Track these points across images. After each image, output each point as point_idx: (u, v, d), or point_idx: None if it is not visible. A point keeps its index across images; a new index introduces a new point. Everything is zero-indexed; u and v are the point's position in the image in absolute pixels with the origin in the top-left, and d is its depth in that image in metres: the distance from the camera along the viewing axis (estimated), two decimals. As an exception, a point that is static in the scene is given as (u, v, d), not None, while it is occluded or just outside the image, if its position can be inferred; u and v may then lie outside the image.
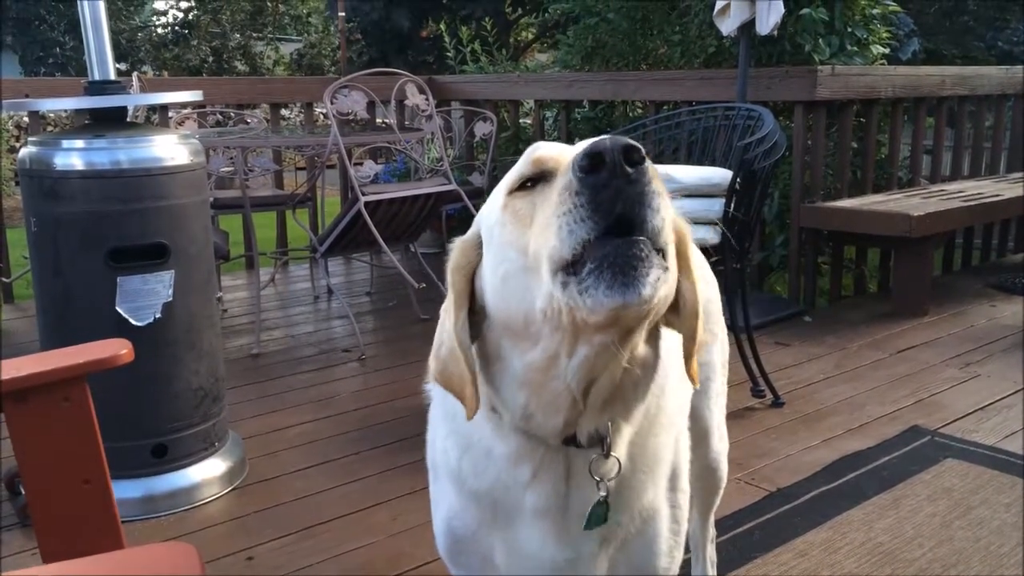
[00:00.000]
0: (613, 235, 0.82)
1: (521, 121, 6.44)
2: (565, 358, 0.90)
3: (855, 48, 4.73)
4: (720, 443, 1.76)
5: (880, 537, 2.26)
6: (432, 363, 1.03)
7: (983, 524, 2.31)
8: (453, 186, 4.13)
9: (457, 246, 1.03)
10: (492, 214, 0.98)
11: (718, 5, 4.23)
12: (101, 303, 2.33)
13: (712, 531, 2.01)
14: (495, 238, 0.95)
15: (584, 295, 0.82)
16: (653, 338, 0.98)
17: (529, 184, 0.94)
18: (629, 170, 0.81)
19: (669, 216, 0.85)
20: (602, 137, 0.82)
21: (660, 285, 0.84)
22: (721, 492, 1.88)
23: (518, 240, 0.91)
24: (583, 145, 0.85)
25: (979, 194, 4.81)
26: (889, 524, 2.32)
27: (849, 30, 4.71)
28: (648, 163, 0.83)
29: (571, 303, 0.83)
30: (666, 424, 1.10)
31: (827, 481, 2.59)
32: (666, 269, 0.85)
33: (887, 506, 2.42)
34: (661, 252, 0.84)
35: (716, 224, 3.00)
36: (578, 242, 0.82)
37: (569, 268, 0.83)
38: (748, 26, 4.17)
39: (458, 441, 1.10)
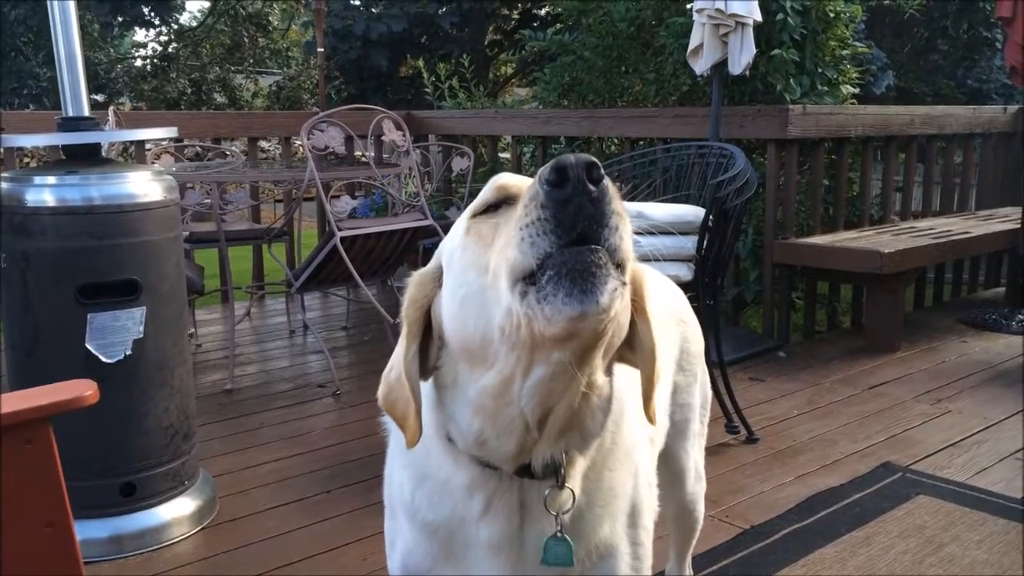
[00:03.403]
0: (573, 244, 0.84)
1: (499, 156, 6.48)
2: (520, 380, 0.91)
3: (825, 88, 4.81)
4: (697, 484, 1.76)
5: (853, 575, 2.26)
6: (381, 386, 1.04)
7: (954, 561, 2.32)
8: (430, 221, 4.14)
9: (415, 279, 1.04)
10: (455, 239, 1.00)
11: (691, 45, 4.30)
12: (71, 340, 2.31)
13: (689, 571, 2.00)
14: (456, 262, 0.97)
15: (543, 303, 0.83)
16: (608, 372, 0.99)
17: (492, 209, 0.96)
18: (592, 188, 0.83)
19: (628, 236, 0.87)
20: (568, 154, 0.85)
21: (616, 297, 0.85)
22: (698, 532, 1.88)
23: (479, 260, 0.92)
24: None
25: (949, 231, 4.88)
26: (861, 562, 2.33)
27: (820, 70, 4.80)
28: (607, 182, 0.85)
29: (530, 313, 0.84)
30: (622, 459, 1.10)
31: (800, 518, 2.59)
32: (624, 283, 0.86)
33: (859, 543, 2.43)
34: (619, 267, 0.86)
35: (689, 261, 3.03)
36: (540, 254, 0.83)
37: (528, 278, 0.84)
38: (721, 66, 4.24)
39: (413, 473, 1.10)
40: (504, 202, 0.96)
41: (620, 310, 0.88)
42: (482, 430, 0.97)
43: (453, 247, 0.99)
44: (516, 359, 0.90)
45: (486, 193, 0.98)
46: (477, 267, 0.92)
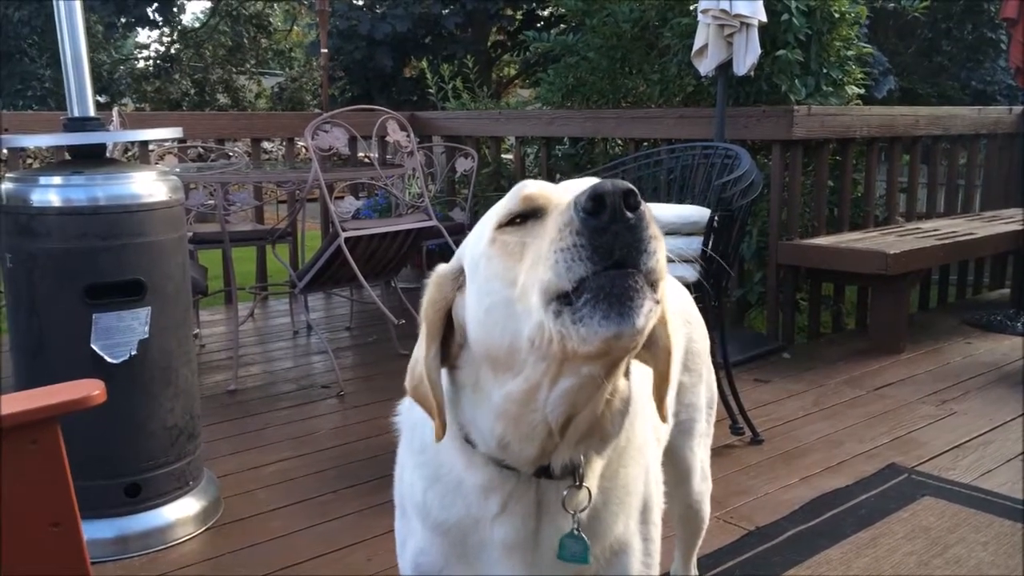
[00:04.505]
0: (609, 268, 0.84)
1: (502, 157, 6.47)
2: (546, 390, 0.91)
3: (830, 88, 4.81)
4: (703, 484, 1.76)
5: (858, 576, 2.26)
6: (408, 378, 1.04)
7: (960, 563, 2.31)
8: (434, 222, 4.15)
9: (433, 280, 1.04)
10: (478, 247, 0.98)
11: (696, 45, 4.29)
12: (76, 340, 2.31)
13: (694, 572, 2.00)
14: (481, 271, 0.96)
15: (578, 324, 0.83)
16: (626, 374, 1.00)
17: (518, 220, 0.95)
18: (629, 215, 0.83)
19: (663, 256, 0.87)
20: (603, 180, 0.84)
21: (651, 317, 0.85)
22: (703, 532, 1.88)
23: (506, 273, 0.92)
24: (581, 185, 0.87)
25: (954, 232, 4.87)
26: (867, 563, 2.32)
27: (824, 71, 4.79)
28: (644, 207, 0.85)
29: (563, 332, 0.84)
30: (635, 455, 1.11)
31: (805, 519, 2.59)
32: (657, 302, 0.86)
33: (865, 545, 2.42)
34: (653, 286, 0.86)
35: (694, 262, 3.02)
36: (576, 278, 0.83)
37: (563, 298, 0.84)
38: (725, 66, 4.23)
39: (426, 473, 1.09)
40: (531, 214, 0.94)
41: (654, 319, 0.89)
42: (504, 434, 0.97)
43: (477, 255, 0.98)
44: (544, 369, 0.90)
45: (511, 203, 0.96)
46: (504, 279, 0.92)
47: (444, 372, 1.03)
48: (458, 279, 1.02)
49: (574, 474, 1.01)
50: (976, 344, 4.58)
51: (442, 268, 1.05)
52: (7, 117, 4.81)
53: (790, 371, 4.12)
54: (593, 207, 0.83)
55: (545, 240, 0.87)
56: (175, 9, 16.54)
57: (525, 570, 1.05)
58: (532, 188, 0.97)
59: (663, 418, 1.06)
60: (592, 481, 1.04)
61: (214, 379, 4.03)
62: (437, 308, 1.02)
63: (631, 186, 0.83)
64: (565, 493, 1.02)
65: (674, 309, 1.59)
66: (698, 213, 3.08)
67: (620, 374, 0.95)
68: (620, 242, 0.83)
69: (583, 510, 1.03)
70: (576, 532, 1.03)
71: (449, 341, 1.02)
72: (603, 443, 1.00)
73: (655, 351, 1.01)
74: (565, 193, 0.92)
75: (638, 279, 0.84)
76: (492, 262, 0.94)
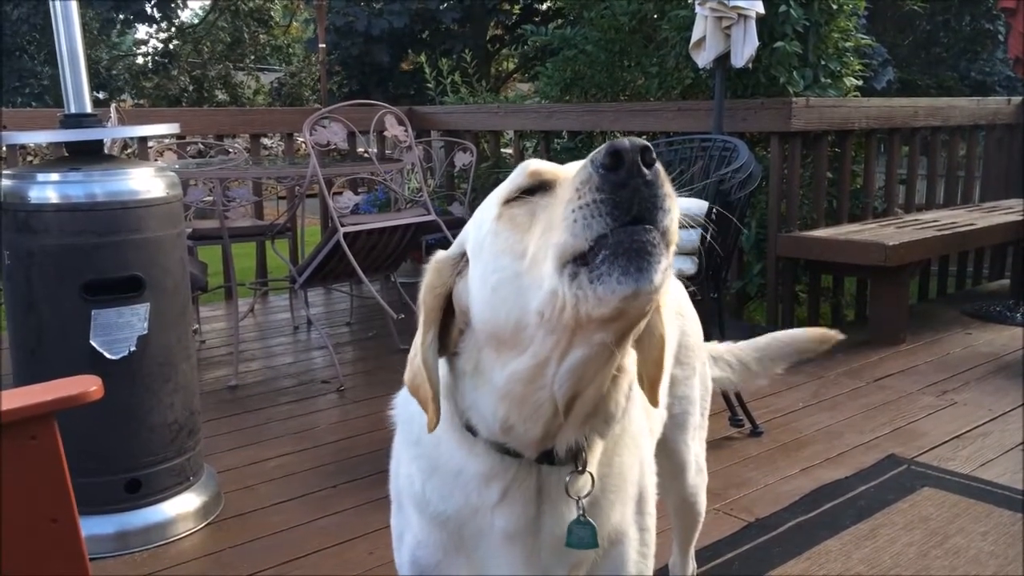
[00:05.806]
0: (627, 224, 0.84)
1: (501, 152, 6.47)
2: (555, 365, 0.90)
3: (829, 80, 4.80)
4: (697, 477, 1.75)
5: (858, 568, 2.26)
6: (407, 370, 1.04)
7: (959, 553, 2.31)
8: (432, 216, 4.14)
9: (433, 265, 1.03)
10: (484, 225, 0.98)
11: (694, 38, 4.28)
12: (75, 337, 2.31)
13: (692, 564, 2.00)
14: (486, 248, 0.95)
15: (596, 283, 0.83)
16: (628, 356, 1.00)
17: (524, 195, 0.95)
18: (646, 171, 0.83)
19: (677, 217, 0.87)
20: (620, 138, 0.84)
21: (666, 277, 0.85)
22: (700, 526, 1.88)
23: (515, 246, 0.91)
24: (595, 151, 0.87)
25: (953, 223, 4.87)
26: (866, 554, 2.32)
27: (823, 63, 4.78)
28: (659, 165, 0.85)
29: (579, 294, 0.84)
30: (630, 444, 1.11)
31: (805, 511, 2.59)
32: (670, 265, 0.86)
33: (864, 536, 2.43)
34: (667, 247, 0.86)
35: (693, 254, 3.02)
36: (594, 235, 0.83)
37: (580, 259, 0.84)
38: (723, 59, 4.23)
39: (423, 465, 1.09)
40: (538, 188, 0.95)
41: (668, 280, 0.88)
42: (508, 416, 0.96)
43: (482, 233, 0.97)
44: (554, 343, 0.89)
45: (518, 178, 0.97)
46: (512, 252, 0.91)
47: (443, 361, 1.03)
48: (458, 264, 1.02)
49: (576, 459, 1.01)
50: (976, 335, 4.58)
51: (442, 254, 1.04)
52: (6, 114, 4.81)
53: (790, 363, 4.11)
54: (611, 162, 0.83)
55: (559, 204, 0.87)
56: (173, 5, 16.52)
57: (525, 558, 1.05)
58: (538, 164, 0.97)
59: (654, 403, 1.07)
60: (594, 466, 1.03)
61: (214, 375, 4.04)
62: (436, 294, 1.02)
63: (647, 143, 0.83)
64: (568, 478, 1.01)
65: (668, 301, 1.59)
66: (696, 205, 3.08)
67: (629, 346, 0.95)
68: (639, 197, 0.83)
69: (586, 495, 1.03)
70: (583, 518, 1.02)
71: (447, 329, 1.02)
72: (607, 424, 1.00)
73: (650, 339, 1.01)
74: (571, 168, 0.92)
75: (654, 235, 0.84)
76: (499, 237, 0.94)
